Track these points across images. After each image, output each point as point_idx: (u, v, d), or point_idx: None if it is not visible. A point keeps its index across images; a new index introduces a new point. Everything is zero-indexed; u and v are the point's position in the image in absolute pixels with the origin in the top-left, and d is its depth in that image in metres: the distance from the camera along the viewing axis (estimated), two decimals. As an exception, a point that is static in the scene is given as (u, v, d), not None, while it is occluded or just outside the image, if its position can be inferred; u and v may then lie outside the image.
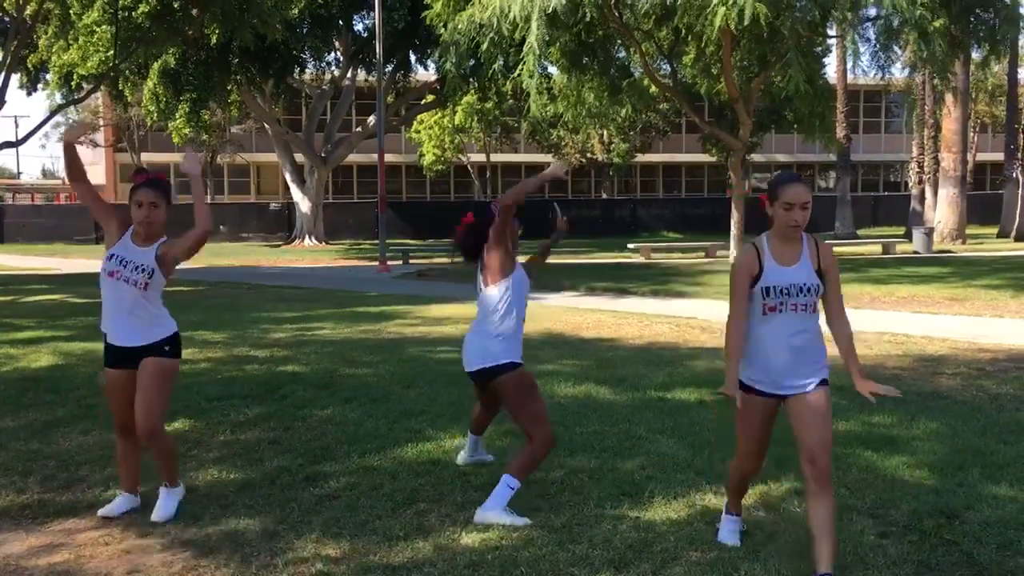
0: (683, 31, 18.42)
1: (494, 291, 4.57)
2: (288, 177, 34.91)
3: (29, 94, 27.83)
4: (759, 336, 3.66)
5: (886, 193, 48.33)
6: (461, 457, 5.26)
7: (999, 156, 36.04)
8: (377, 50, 23.60)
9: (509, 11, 15.72)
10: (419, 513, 4.46)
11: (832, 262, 3.68)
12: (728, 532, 4.06)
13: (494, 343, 4.54)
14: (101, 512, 4.45)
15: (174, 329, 4.45)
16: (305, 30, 28.26)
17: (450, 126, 41.83)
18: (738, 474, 3.99)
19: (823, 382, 3.66)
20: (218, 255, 26.87)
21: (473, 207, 5.47)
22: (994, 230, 32.16)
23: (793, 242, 3.64)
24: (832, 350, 3.71)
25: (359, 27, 31.96)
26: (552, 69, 20.29)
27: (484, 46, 16.41)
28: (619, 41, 19.80)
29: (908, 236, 28.35)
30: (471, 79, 26.79)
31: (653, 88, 21.80)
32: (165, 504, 4.46)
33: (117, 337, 4.36)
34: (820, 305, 3.69)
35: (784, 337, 3.62)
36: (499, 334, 4.54)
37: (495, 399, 4.79)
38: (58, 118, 39.81)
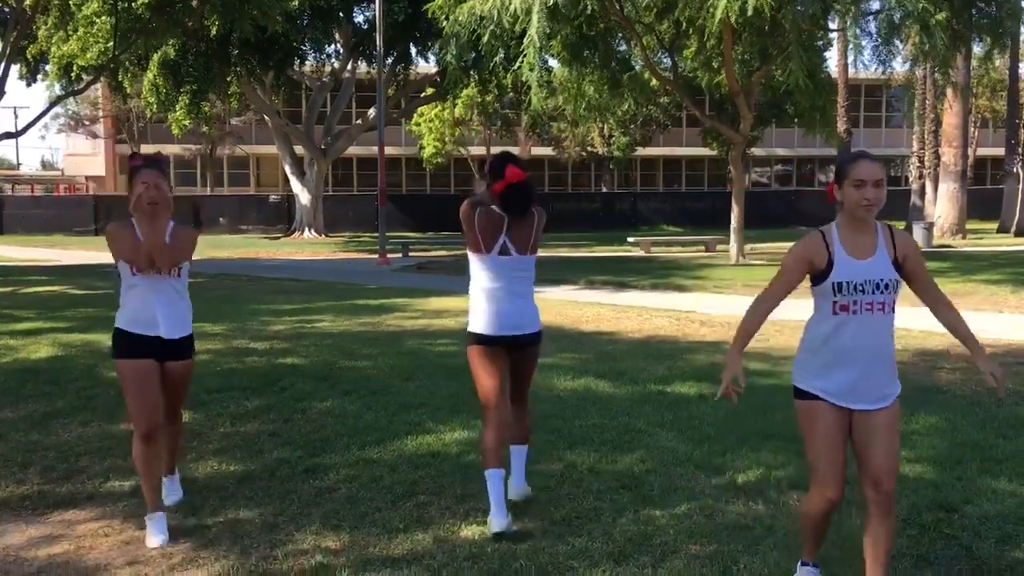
0: (684, 24, 18.38)
1: (532, 260, 4.40)
2: (288, 169, 34.87)
3: (29, 85, 27.72)
4: (827, 340, 3.24)
5: (886, 187, 48.23)
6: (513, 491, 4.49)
7: (1000, 151, 36.01)
8: (377, 42, 23.54)
9: (510, 3, 15.69)
10: (419, 505, 4.46)
11: (912, 247, 3.27)
12: None
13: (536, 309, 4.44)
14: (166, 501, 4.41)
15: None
16: (305, 22, 28.19)
17: (450, 119, 41.78)
18: (813, 506, 3.35)
19: (896, 398, 3.31)
20: (217, 247, 26.85)
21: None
22: (994, 225, 32.14)
23: (867, 230, 3.22)
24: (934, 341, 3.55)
25: (359, 19, 31.89)
26: (552, 62, 20.25)
27: (485, 38, 16.38)
28: (620, 34, 19.77)
29: (908, 231, 28.36)
30: (472, 72, 26.75)
31: (654, 81, 21.77)
32: (178, 488, 4.60)
33: (168, 328, 4.18)
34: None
35: (855, 341, 3.21)
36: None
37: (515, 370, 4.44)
38: (57, 109, 39.79)
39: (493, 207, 4.33)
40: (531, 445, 4.64)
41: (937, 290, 3.34)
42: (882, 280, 3.18)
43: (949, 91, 25.68)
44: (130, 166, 4.18)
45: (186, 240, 4.26)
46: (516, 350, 4.38)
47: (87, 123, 48.44)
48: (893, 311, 3.25)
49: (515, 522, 4.12)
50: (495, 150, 44.52)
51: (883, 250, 3.22)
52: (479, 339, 4.32)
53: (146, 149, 45.77)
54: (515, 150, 35.99)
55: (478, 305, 4.35)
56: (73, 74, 25.47)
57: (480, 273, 4.34)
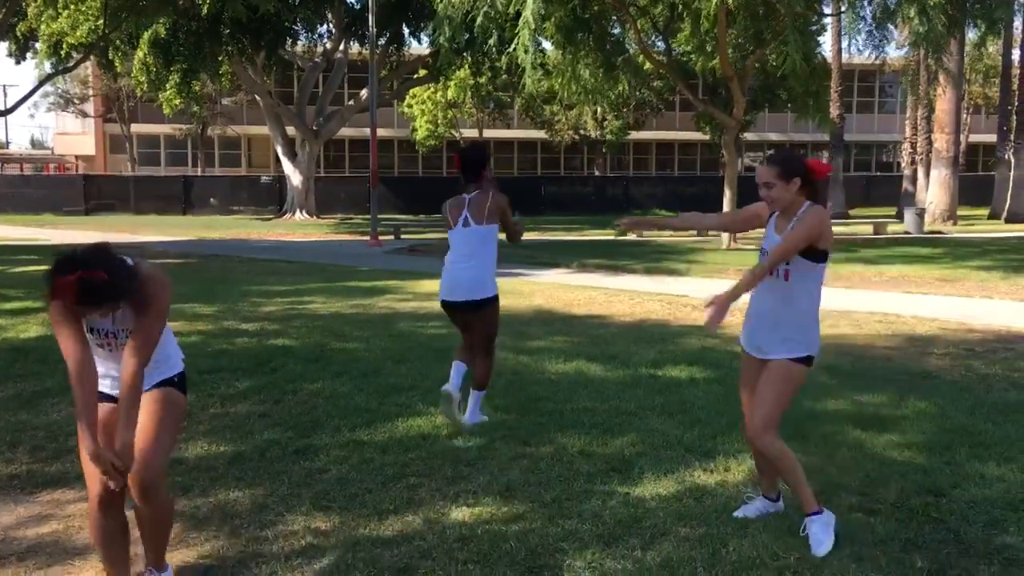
0: (678, 7, 18.31)
1: (488, 229, 5.37)
2: (279, 150, 34.71)
3: (18, 63, 27.49)
4: (753, 294, 3.93)
5: (878, 173, 48.36)
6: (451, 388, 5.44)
7: (992, 137, 36.06)
8: (370, 22, 23.41)
9: (504, -16, 15.59)
10: (409, 487, 4.47)
11: (799, 220, 3.78)
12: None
13: (492, 277, 5.42)
14: None
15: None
16: (297, 1, 28.00)
17: (443, 101, 41.60)
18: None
19: (790, 359, 3.78)
20: (209, 228, 26.75)
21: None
22: (985, 211, 32.24)
23: (788, 215, 3.85)
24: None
25: (352, -2, 31.70)
26: (546, 44, 20.17)
27: (479, 20, 16.29)
28: (614, 17, 19.67)
29: (900, 216, 28.40)
30: (465, 54, 26.62)
31: (647, 65, 21.71)
32: None
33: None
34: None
35: (756, 300, 3.91)
36: (493, 270, 5.42)
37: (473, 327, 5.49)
38: (47, 87, 39.46)
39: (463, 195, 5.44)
40: (489, 390, 5.63)
41: (776, 253, 3.74)
42: (767, 250, 3.81)
43: (942, 77, 25.67)
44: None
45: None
46: (465, 313, 5.45)
47: (77, 102, 48.10)
48: (786, 279, 3.78)
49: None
50: (488, 133, 44.54)
51: (788, 228, 3.81)
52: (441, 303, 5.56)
53: (136, 128, 45.53)
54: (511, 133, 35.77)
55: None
56: (63, 52, 25.29)
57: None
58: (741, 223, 4.20)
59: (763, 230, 3.97)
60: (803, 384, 3.95)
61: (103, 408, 3.25)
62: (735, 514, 4.05)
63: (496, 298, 5.50)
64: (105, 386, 3.32)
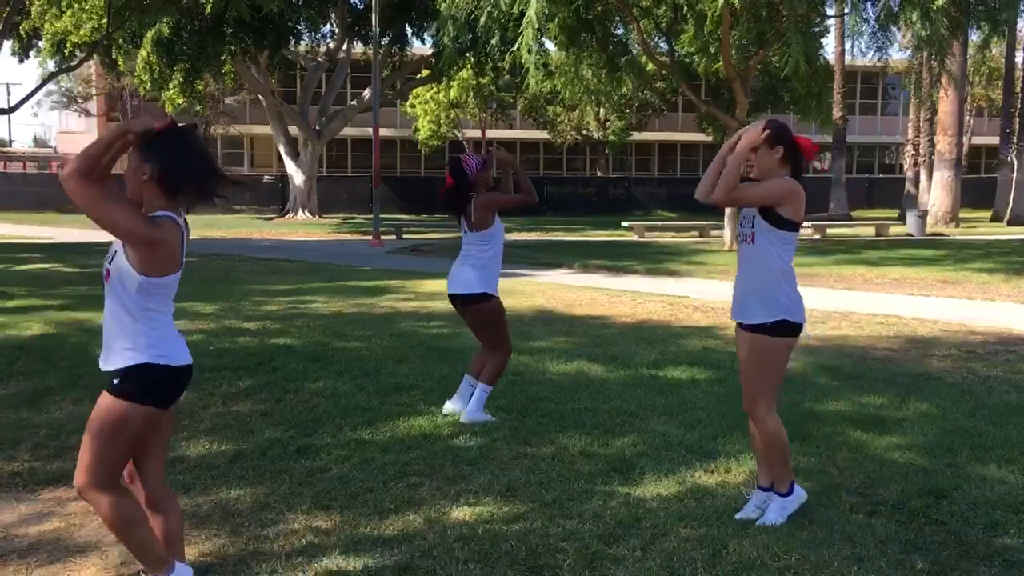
0: (682, 8, 18.31)
1: (480, 235, 5.62)
2: (282, 150, 34.72)
3: (21, 61, 27.56)
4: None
5: (881, 175, 48.31)
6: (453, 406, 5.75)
7: (994, 140, 36.05)
8: (373, 22, 23.42)
9: (508, -16, 15.59)
10: (410, 486, 4.47)
11: (764, 184, 3.89)
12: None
13: (483, 275, 5.62)
14: None
15: (139, 359, 3.02)
16: (301, 1, 28.00)
17: (446, 101, 41.60)
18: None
19: (761, 326, 3.89)
20: (211, 227, 26.77)
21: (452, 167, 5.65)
22: (988, 214, 32.22)
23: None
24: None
25: (355, -2, 31.70)
26: (549, 45, 20.19)
27: (482, 20, 16.29)
28: (617, 17, 19.68)
29: (902, 218, 28.39)
30: (468, 54, 26.63)
31: (650, 66, 21.70)
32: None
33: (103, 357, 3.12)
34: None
35: (738, 265, 4.05)
36: (487, 270, 5.65)
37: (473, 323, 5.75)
38: (50, 86, 39.53)
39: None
40: (494, 385, 5.72)
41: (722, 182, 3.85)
42: (745, 215, 3.99)
43: (944, 79, 25.66)
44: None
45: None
46: (456, 306, 5.74)
47: (80, 100, 48.14)
48: (752, 242, 3.92)
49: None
50: (490, 133, 44.55)
51: None
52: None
53: (139, 127, 45.45)
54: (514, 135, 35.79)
55: None
56: (66, 51, 25.33)
57: None
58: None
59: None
60: (789, 356, 4.02)
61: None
62: (737, 516, 4.05)
63: (485, 295, 5.59)
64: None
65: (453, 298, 5.72)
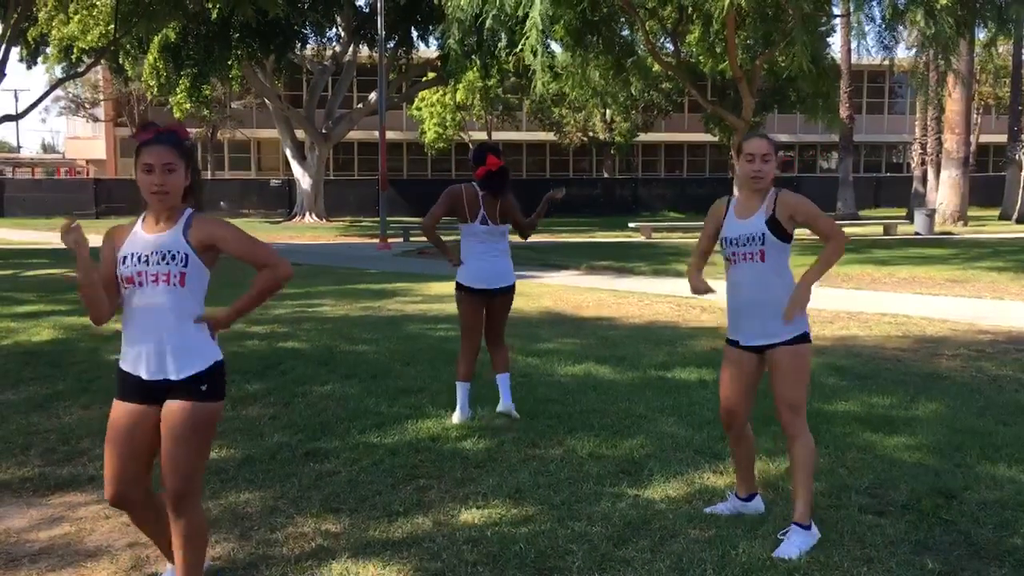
0: (688, 9, 18.29)
1: (504, 228, 5.70)
2: (289, 153, 34.79)
3: (29, 67, 27.66)
4: (728, 289, 3.93)
5: (888, 174, 48.17)
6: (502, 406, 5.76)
7: (1002, 138, 35.90)
8: (379, 26, 23.45)
9: (512, -13, 15.60)
10: (419, 489, 4.47)
11: (798, 204, 3.80)
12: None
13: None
14: None
15: (217, 356, 3.20)
16: (306, 5, 28.08)
17: (452, 103, 41.63)
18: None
19: (794, 339, 3.80)
20: (218, 231, 26.82)
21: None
22: (996, 212, 32.10)
23: (756, 196, 3.84)
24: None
25: (360, 2, 31.76)
26: (555, 47, 20.19)
27: (488, 23, 16.30)
28: (623, 19, 19.67)
29: (910, 217, 28.30)
30: (473, 56, 26.65)
31: (656, 67, 21.69)
32: None
33: (148, 368, 3.06)
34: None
35: (738, 290, 3.87)
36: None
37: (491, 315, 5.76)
38: (58, 92, 39.68)
39: (472, 184, 5.64)
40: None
41: (829, 232, 3.82)
42: (751, 234, 3.80)
43: (951, 78, 25.58)
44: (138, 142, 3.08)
45: (229, 238, 3.15)
46: (491, 298, 5.67)
47: (88, 106, 48.34)
48: (763, 260, 3.80)
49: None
50: (497, 135, 44.56)
51: (762, 211, 3.81)
52: (462, 288, 5.67)
53: (147, 132, 45.59)
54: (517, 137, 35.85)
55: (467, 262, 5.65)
56: (74, 56, 25.41)
57: (466, 238, 5.66)
58: (713, 237, 4.05)
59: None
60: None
61: (128, 408, 3.09)
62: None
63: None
64: (138, 365, 3.07)
65: (495, 292, 5.67)
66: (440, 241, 5.69)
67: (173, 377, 3.05)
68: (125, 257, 3.06)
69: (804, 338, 3.83)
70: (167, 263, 3.01)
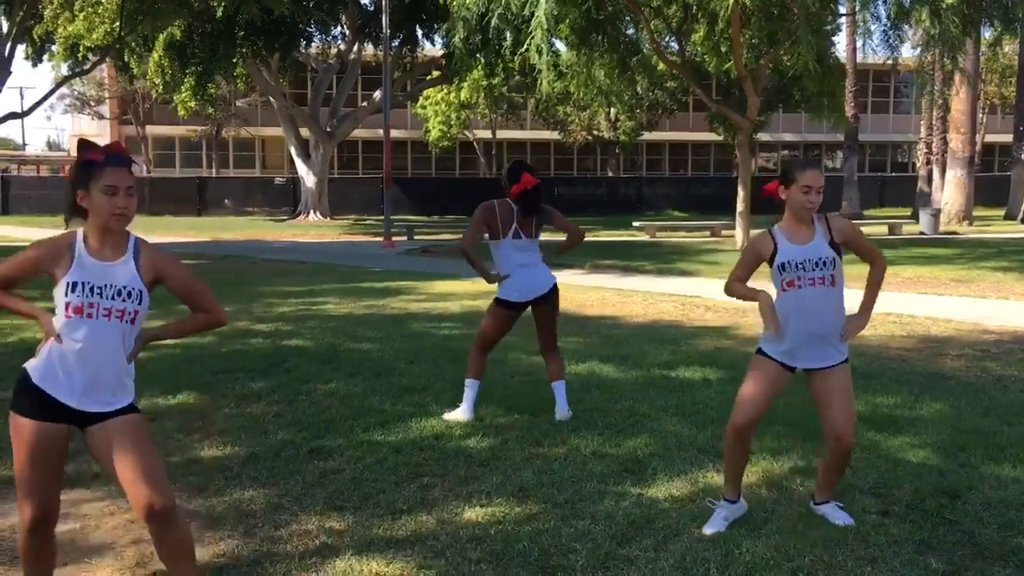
0: (693, 7, 18.27)
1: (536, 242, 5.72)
2: (293, 152, 34.84)
3: (35, 65, 27.68)
4: (783, 314, 3.87)
5: (893, 174, 48.11)
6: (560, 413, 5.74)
7: (1008, 137, 35.82)
8: (383, 24, 23.47)
9: (518, -14, 15.58)
10: (423, 487, 4.48)
11: (846, 227, 3.96)
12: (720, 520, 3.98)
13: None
14: None
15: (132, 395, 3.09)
16: (311, 3, 28.09)
17: (456, 102, 41.64)
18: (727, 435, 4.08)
19: (847, 359, 3.94)
20: (223, 229, 26.88)
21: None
22: (1001, 212, 32.02)
23: (804, 222, 3.90)
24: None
25: (365, 0, 31.76)
26: (560, 46, 20.17)
27: (493, 21, 16.29)
28: (628, 18, 19.65)
29: (915, 217, 28.24)
30: (478, 55, 26.66)
31: (661, 66, 21.67)
32: None
33: (80, 399, 2.95)
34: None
35: (806, 312, 3.84)
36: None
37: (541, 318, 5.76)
38: (63, 90, 39.72)
39: (506, 201, 5.62)
40: (549, 420, 5.61)
41: (872, 254, 4.06)
42: (820, 258, 3.84)
43: (957, 77, 25.52)
44: (85, 161, 2.97)
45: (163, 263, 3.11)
46: (534, 307, 5.66)
47: (93, 104, 48.38)
48: (834, 284, 3.88)
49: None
50: (501, 134, 44.55)
51: (820, 235, 3.89)
52: (502, 303, 5.68)
53: (152, 130, 45.72)
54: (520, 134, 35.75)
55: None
56: (79, 54, 25.45)
57: (501, 253, 5.63)
58: (753, 268, 4.02)
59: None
60: None
61: (48, 428, 2.98)
62: (705, 530, 3.89)
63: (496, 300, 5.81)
64: (63, 390, 2.95)
65: (540, 298, 5.65)
66: (479, 260, 5.62)
67: (106, 409, 2.97)
68: (74, 284, 2.91)
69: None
70: (123, 300, 2.95)
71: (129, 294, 2.95)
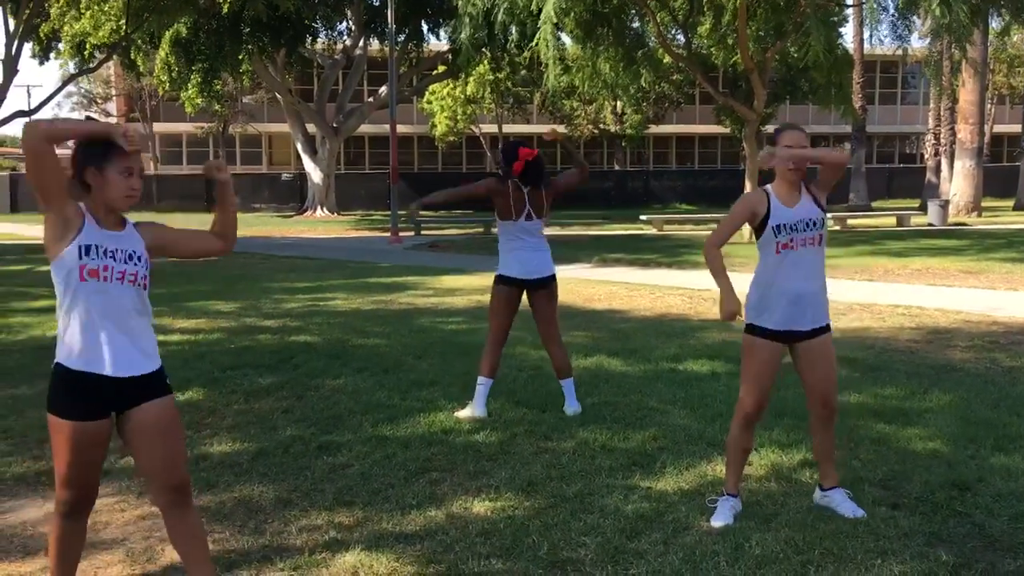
0: (699, 0, 18.21)
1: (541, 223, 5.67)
2: (300, 148, 34.86)
3: (41, 63, 27.71)
4: (774, 277, 3.92)
5: (901, 165, 47.92)
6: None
7: (1016, 128, 35.64)
8: (389, 19, 23.45)
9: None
10: (432, 482, 4.49)
11: (814, 183, 4.02)
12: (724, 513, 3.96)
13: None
14: None
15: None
16: (317, -1, 28.11)
17: (462, 97, 41.59)
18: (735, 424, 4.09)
19: (828, 324, 4.01)
20: (230, 225, 26.92)
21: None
22: (1010, 203, 31.90)
23: (793, 185, 3.94)
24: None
25: (370, -4, 31.71)
26: (566, 39, 20.11)
27: (499, 16, 16.27)
28: (633, 11, 19.60)
29: (923, 208, 28.15)
30: (484, 49, 26.63)
31: (667, 59, 21.60)
32: None
33: (116, 363, 2.96)
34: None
35: (799, 273, 3.90)
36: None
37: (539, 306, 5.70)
38: (70, 87, 39.84)
39: (513, 180, 5.56)
40: (559, 417, 5.55)
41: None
42: (811, 219, 3.90)
43: (965, 67, 25.39)
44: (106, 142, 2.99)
45: (179, 241, 3.26)
46: (531, 291, 5.63)
47: (100, 102, 48.52)
48: (822, 243, 3.97)
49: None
50: (507, 128, 44.54)
51: (806, 198, 3.95)
52: (500, 280, 5.65)
53: (159, 127, 45.80)
54: (543, 129, 35.83)
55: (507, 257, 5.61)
56: (86, 52, 25.51)
57: (506, 233, 5.59)
58: (740, 226, 4.14)
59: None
60: None
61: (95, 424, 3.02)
62: (714, 523, 3.88)
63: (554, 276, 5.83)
64: (97, 360, 3.00)
65: (534, 284, 5.62)
66: (452, 193, 5.76)
67: (139, 373, 3.00)
68: (87, 248, 2.92)
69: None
70: (134, 264, 2.98)
71: (139, 258, 3.00)
